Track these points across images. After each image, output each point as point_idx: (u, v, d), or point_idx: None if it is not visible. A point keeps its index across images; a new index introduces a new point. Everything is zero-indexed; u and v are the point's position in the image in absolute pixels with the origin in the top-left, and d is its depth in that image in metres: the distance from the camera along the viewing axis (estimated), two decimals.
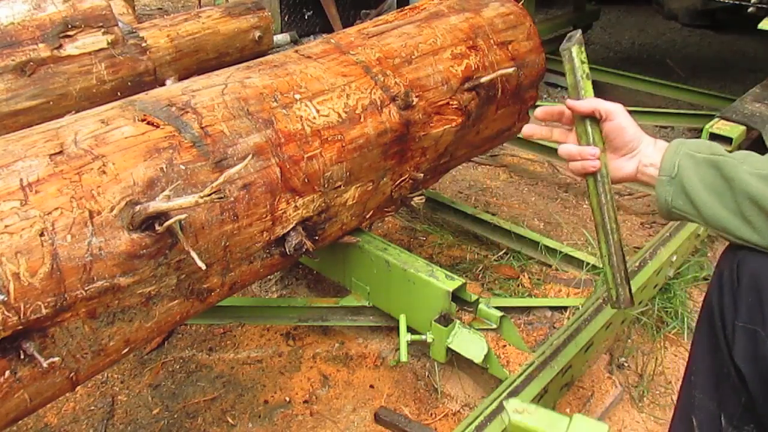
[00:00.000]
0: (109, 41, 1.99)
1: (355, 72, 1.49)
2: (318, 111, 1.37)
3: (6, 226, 0.92)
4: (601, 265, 1.22)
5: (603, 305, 1.72)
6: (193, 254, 1.05)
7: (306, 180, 1.33)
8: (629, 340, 1.88)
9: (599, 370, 1.77)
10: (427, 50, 1.63)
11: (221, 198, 1.05)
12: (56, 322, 0.97)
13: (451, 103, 1.64)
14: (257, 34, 2.68)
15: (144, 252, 1.04)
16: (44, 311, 0.94)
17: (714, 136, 2.30)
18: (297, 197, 1.32)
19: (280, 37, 3.18)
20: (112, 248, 1.00)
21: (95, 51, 1.96)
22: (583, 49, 1.16)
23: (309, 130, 1.34)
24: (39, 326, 0.95)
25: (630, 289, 1.19)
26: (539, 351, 1.58)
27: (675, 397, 1.51)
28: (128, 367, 1.80)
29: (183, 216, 1.05)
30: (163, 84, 1.74)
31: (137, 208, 1.02)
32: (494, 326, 1.59)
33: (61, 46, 1.89)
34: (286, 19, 3.61)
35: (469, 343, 1.50)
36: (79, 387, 1.21)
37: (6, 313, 0.89)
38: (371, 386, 1.76)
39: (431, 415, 1.67)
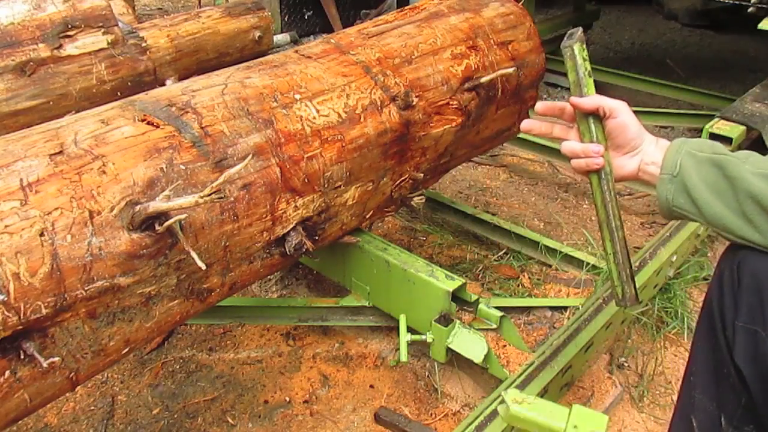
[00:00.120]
0: (109, 41, 1.99)
1: (355, 72, 1.49)
2: (318, 111, 1.37)
3: (6, 226, 0.92)
4: (603, 265, 1.22)
5: (603, 305, 1.72)
6: (193, 254, 1.05)
7: (306, 180, 1.33)
8: (629, 340, 1.88)
9: (599, 370, 1.77)
10: (427, 50, 1.63)
11: (221, 198, 1.05)
12: (56, 322, 0.97)
13: (451, 103, 1.64)
14: (257, 34, 2.68)
15: (144, 252, 1.04)
16: (44, 311, 0.94)
17: (714, 136, 2.30)
18: (297, 197, 1.32)
19: (280, 37, 3.18)
20: (112, 248, 1.00)
21: (95, 51, 1.96)
22: (584, 46, 1.15)
23: (309, 130, 1.34)
24: (39, 326, 0.95)
25: (635, 287, 1.19)
26: (539, 351, 1.58)
27: (675, 397, 1.51)
28: (128, 367, 1.80)
29: (183, 216, 1.05)
30: (163, 84, 1.74)
31: (137, 208, 1.02)
32: (494, 326, 1.59)
33: (61, 46, 1.90)
34: (286, 19, 3.61)
35: (469, 343, 1.50)
36: (79, 387, 1.21)
37: (6, 313, 0.89)
38: (371, 386, 1.76)
39: (431, 415, 1.67)
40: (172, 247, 1.09)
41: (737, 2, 2.65)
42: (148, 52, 2.14)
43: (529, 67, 1.87)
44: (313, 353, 1.85)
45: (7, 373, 0.94)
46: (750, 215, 0.99)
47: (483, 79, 1.67)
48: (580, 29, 1.18)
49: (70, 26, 1.91)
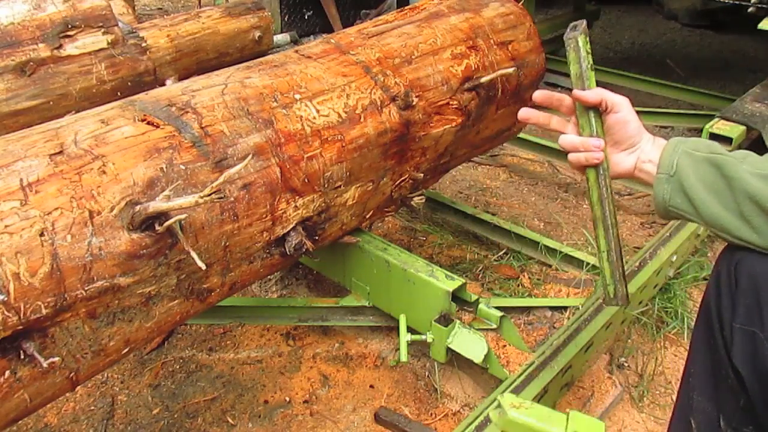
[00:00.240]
0: (109, 41, 1.99)
1: (355, 72, 1.49)
2: (318, 111, 1.37)
3: (6, 226, 0.92)
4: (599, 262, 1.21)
5: (603, 305, 1.72)
6: (193, 254, 1.05)
7: (306, 180, 1.33)
8: (629, 340, 1.88)
9: (599, 370, 1.77)
10: (427, 50, 1.63)
11: (221, 198, 1.05)
12: (56, 322, 0.97)
13: (451, 103, 1.64)
14: (257, 34, 2.68)
15: (144, 252, 1.04)
16: (44, 311, 0.94)
17: (714, 136, 2.30)
18: (297, 197, 1.32)
19: (280, 37, 3.18)
20: (112, 248, 1.00)
21: (95, 51, 1.96)
22: (588, 39, 1.14)
23: (309, 130, 1.34)
24: (39, 326, 0.95)
25: (626, 286, 1.18)
26: (539, 351, 1.58)
27: (675, 398, 1.51)
28: (128, 367, 1.80)
29: (183, 216, 1.05)
30: (163, 84, 1.74)
31: (137, 208, 1.02)
32: (494, 326, 1.59)
33: (61, 46, 1.90)
34: (286, 19, 3.61)
35: (469, 343, 1.50)
36: (79, 387, 1.21)
37: (6, 313, 0.89)
38: (371, 386, 1.76)
39: (431, 415, 1.67)
40: (172, 247, 1.09)
41: (737, 2, 2.65)
42: (148, 52, 2.14)
43: (529, 67, 1.87)
44: (313, 353, 1.85)
45: (7, 373, 0.94)
46: (748, 216, 0.98)
47: (483, 79, 1.67)
48: (584, 21, 1.16)
49: (70, 26, 1.91)
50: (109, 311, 1.04)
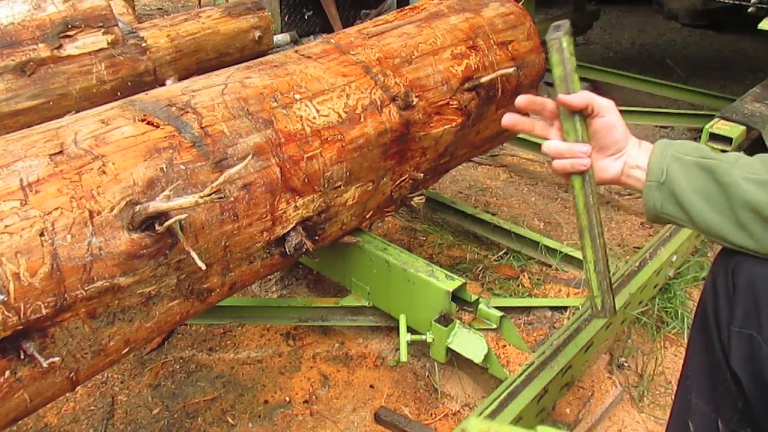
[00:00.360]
0: (109, 41, 1.99)
1: (355, 72, 1.49)
2: (318, 111, 1.37)
3: (6, 226, 0.92)
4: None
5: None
6: (193, 254, 1.05)
7: (306, 180, 1.33)
8: (629, 340, 1.88)
9: (599, 370, 1.77)
10: (427, 50, 1.63)
11: (221, 198, 1.05)
12: (56, 322, 0.97)
13: (451, 103, 1.64)
14: (257, 34, 2.68)
15: (144, 252, 1.04)
16: (44, 311, 0.94)
17: (714, 136, 2.30)
18: (297, 197, 1.32)
19: (280, 37, 3.18)
20: (112, 248, 1.00)
21: (95, 51, 1.96)
22: (572, 39, 1.07)
23: (309, 130, 1.34)
24: (39, 326, 0.95)
25: (614, 297, 1.14)
26: (539, 351, 1.58)
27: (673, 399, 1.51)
28: (128, 367, 1.80)
29: (183, 216, 1.05)
30: (163, 84, 1.74)
31: (137, 208, 1.02)
32: (494, 326, 1.59)
33: (61, 46, 1.90)
34: (286, 19, 3.61)
35: (469, 343, 1.50)
36: (79, 387, 1.21)
37: (6, 313, 0.89)
38: (371, 386, 1.76)
39: (431, 415, 1.67)
40: (172, 247, 1.09)
41: (737, 2, 2.65)
42: (148, 52, 2.14)
43: (529, 67, 1.87)
44: (313, 353, 1.85)
45: (7, 373, 0.94)
46: (745, 223, 0.96)
47: (483, 79, 1.67)
48: (568, 21, 1.10)
49: (70, 26, 1.91)
50: (109, 311, 1.04)
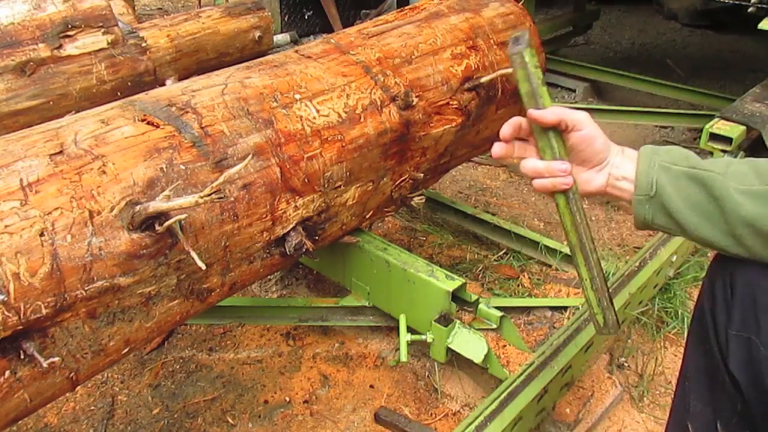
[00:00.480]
0: (109, 41, 1.99)
1: (355, 72, 1.49)
2: (318, 111, 1.37)
3: (6, 226, 0.92)
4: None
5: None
6: (193, 254, 1.04)
7: (306, 180, 1.33)
8: (629, 340, 1.88)
9: (599, 370, 1.77)
10: (427, 50, 1.63)
11: (221, 198, 1.05)
12: (56, 322, 0.97)
13: (451, 103, 1.64)
14: (257, 34, 2.68)
15: (144, 252, 1.04)
16: (44, 311, 0.94)
17: (714, 136, 2.30)
18: (297, 197, 1.32)
19: (280, 37, 3.18)
20: (112, 248, 1.00)
21: (95, 51, 1.96)
22: (534, 52, 1.03)
23: (309, 130, 1.34)
24: (39, 326, 0.95)
25: (615, 311, 1.11)
26: (539, 351, 1.58)
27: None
28: (128, 367, 1.80)
29: (183, 216, 1.05)
30: (163, 84, 1.74)
31: (137, 208, 1.02)
32: (494, 326, 1.59)
33: (61, 46, 1.89)
34: (286, 19, 3.61)
35: (469, 343, 1.50)
36: (79, 387, 1.21)
37: (6, 313, 0.89)
38: (371, 386, 1.76)
39: (431, 415, 1.67)
40: (172, 247, 1.09)
41: (737, 2, 2.65)
42: (148, 52, 2.14)
43: None
44: (313, 353, 1.85)
45: (7, 373, 0.94)
46: (741, 237, 0.95)
47: (483, 79, 1.67)
48: (527, 32, 1.05)
49: (70, 26, 1.91)
50: (109, 311, 1.04)
